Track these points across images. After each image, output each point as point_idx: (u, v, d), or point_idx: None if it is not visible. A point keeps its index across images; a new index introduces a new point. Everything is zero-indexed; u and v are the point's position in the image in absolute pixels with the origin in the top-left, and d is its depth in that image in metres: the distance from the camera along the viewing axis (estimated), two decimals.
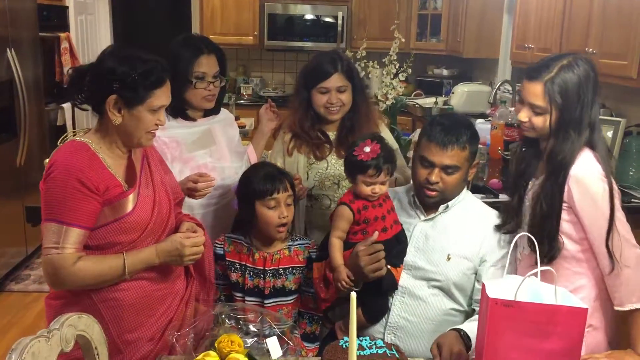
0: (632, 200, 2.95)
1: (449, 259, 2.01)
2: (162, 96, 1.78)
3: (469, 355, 1.79)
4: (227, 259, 2.18)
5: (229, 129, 2.53)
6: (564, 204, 1.85)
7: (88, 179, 1.69)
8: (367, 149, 1.97)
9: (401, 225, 2.06)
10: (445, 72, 5.92)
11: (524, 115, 1.90)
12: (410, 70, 3.24)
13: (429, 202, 2.06)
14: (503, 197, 2.93)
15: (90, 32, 5.82)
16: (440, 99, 5.21)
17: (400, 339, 2.01)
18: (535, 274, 1.53)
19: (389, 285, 2.01)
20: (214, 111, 2.44)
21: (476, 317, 1.98)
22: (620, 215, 1.80)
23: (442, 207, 2.07)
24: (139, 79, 1.72)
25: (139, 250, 1.78)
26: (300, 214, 2.44)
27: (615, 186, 1.83)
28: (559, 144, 1.84)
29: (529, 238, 1.81)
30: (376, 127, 2.49)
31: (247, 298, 2.16)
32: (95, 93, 1.77)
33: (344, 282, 1.94)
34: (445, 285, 2.00)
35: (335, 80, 2.34)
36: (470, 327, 1.86)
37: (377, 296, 2.02)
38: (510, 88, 4.85)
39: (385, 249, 1.94)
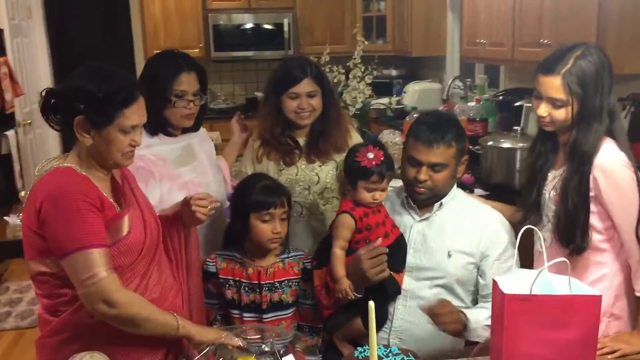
0: None
1: (449, 256, 2.02)
2: (132, 116, 1.68)
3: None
4: (220, 276, 2.12)
5: (205, 144, 2.47)
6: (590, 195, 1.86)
7: (91, 199, 1.61)
8: (371, 155, 1.96)
9: (399, 228, 2.05)
10: (394, 73, 5.97)
11: (543, 110, 1.89)
12: (375, 73, 3.25)
13: (419, 199, 2.06)
14: (478, 192, 2.97)
15: (27, 55, 5.59)
16: (394, 99, 5.24)
17: (405, 342, 2.00)
18: (551, 266, 1.54)
19: (393, 290, 2.00)
20: (193, 128, 2.38)
21: (478, 306, 2.01)
22: None
23: (436, 206, 2.07)
24: (105, 98, 1.63)
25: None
26: None
27: (639, 173, 1.84)
28: (582, 135, 1.84)
29: (556, 230, 1.83)
30: (347, 131, 2.49)
31: (244, 314, 2.11)
32: (63, 114, 1.68)
33: (345, 293, 1.92)
34: (448, 282, 2.02)
35: (305, 86, 2.33)
36: (471, 311, 1.95)
37: (379, 303, 2.00)
38: (461, 84, 4.94)
39: (388, 254, 1.92)
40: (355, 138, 2.53)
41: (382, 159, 1.97)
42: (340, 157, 2.41)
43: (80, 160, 1.70)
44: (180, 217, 2.00)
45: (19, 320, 4.06)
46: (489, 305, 1.98)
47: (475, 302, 2.07)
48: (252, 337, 1.72)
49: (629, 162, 1.83)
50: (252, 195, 2.08)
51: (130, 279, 1.72)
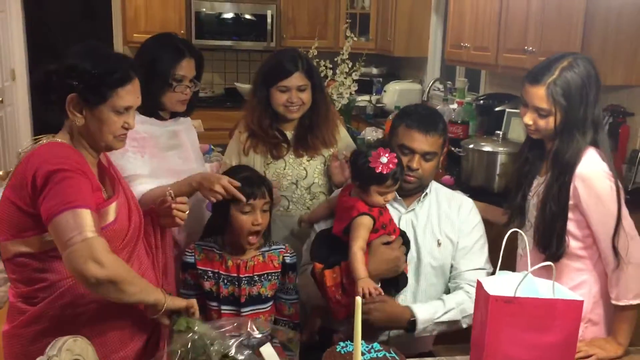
0: None
1: (439, 244, 2.08)
2: (126, 96, 1.65)
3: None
4: (198, 267, 2.09)
5: (190, 132, 2.46)
6: (569, 203, 1.89)
7: (86, 169, 1.58)
8: (384, 160, 1.93)
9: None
10: (374, 71, 5.98)
11: (528, 119, 1.92)
12: (362, 69, 3.25)
13: (407, 188, 2.08)
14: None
15: (1, 31, 5.46)
16: (374, 98, 5.26)
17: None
18: (535, 270, 1.55)
19: (404, 282, 2.06)
20: (184, 114, 2.35)
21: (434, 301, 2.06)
22: (624, 212, 1.86)
23: (421, 197, 2.12)
24: (100, 76, 1.60)
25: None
26: None
27: (619, 184, 1.87)
28: (564, 145, 1.87)
29: (535, 235, 1.86)
30: (335, 126, 2.49)
31: (222, 307, 2.08)
32: (58, 94, 1.63)
33: (373, 290, 1.87)
34: (440, 269, 2.09)
35: (296, 79, 2.31)
36: (422, 307, 2.01)
37: (392, 296, 2.05)
38: (441, 86, 4.98)
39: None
40: (343, 133, 2.53)
41: (395, 161, 1.94)
42: (328, 152, 2.41)
43: (71, 140, 1.67)
44: (156, 215, 1.95)
45: None
46: (450, 297, 2.05)
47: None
48: (229, 329, 1.68)
49: (609, 172, 1.86)
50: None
51: None
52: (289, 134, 2.42)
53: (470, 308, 1.95)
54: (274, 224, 2.38)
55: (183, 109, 2.30)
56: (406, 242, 2.06)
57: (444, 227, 2.10)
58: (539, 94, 1.86)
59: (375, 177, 1.94)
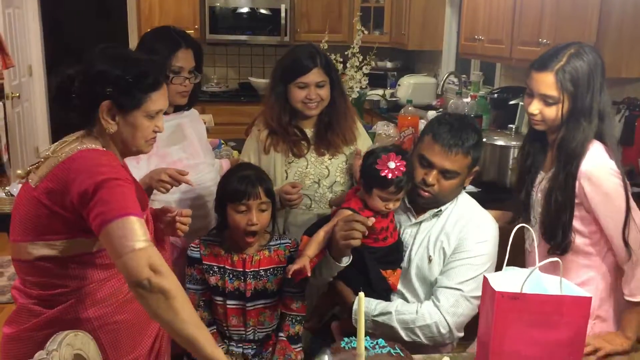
0: None
1: (430, 260, 1.99)
2: (159, 100, 1.64)
3: None
4: (204, 262, 2.09)
5: (196, 124, 2.44)
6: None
7: (128, 175, 1.58)
8: (392, 165, 1.86)
9: (397, 232, 2.03)
10: (389, 65, 5.94)
11: (534, 108, 1.88)
12: (373, 63, 3.22)
13: (420, 202, 2.01)
14: (470, 188, 2.94)
15: (18, 27, 5.50)
16: (387, 92, 5.22)
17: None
18: (542, 266, 1.53)
19: (380, 286, 1.98)
20: (185, 107, 2.34)
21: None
22: (633, 205, 1.82)
23: (432, 212, 2.01)
24: (134, 81, 1.59)
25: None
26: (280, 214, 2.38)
27: (625, 180, 1.83)
28: (570, 133, 1.83)
29: (541, 228, 1.82)
30: (353, 122, 2.45)
31: (228, 302, 2.08)
32: (85, 99, 1.59)
33: (300, 268, 1.85)
34: (426, 283, 2.00)
35: (315, 76, 2.27)
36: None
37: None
38: (456, 80, 4.93)
39: (383, 255, 1.92)
40: (361, 129, 2.50)
41: (403, 170, 1.86)
42: (349, 150, 2.38)
43: (102, 145, 1.63)
44: (156, 219, 1.90)
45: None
46: (409, 305, 1.96)
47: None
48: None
49: (616, 169, 1.83)
50: (229, 185, 2.05)
51: None
52: (309, 132, 2.39)
53: (417, 322, 1.89)
54: (296, 222, 2.37)
55: (184, 101, 2.28)
56: (400, 250, 2.01)
57: (441, 241, 1.98)
58: (547, 81, 1.83)
59: (378, 180, 1.87)
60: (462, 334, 1.96)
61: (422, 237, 2.02)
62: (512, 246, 1.59)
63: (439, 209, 2.01)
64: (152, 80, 1.62)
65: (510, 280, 1.54)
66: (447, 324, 1.90)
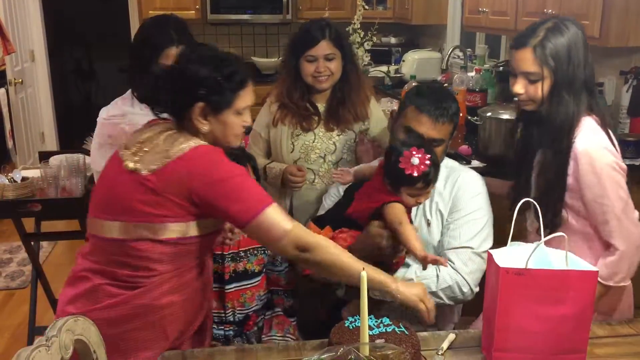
0: None
1: (428, 224, 2.00)
2: (246, 96, 1.68)
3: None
4: None
5: None
6: (568, 178, 1.83)
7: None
8: (416, 161, 1.79)
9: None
10: (393, 40, 5.87)
11: (519, 87, 1.86)
12: (374, 39, 3.17)
13: None
14: (475, 163, 2.92)
15: (19, 12, 5.47)
16: (392, 68, 5.16)
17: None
18: (544, 242, 1.50)
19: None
20: None
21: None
22: (623, 193, 1.80)
23: None
24: (225, 81, 1.62)
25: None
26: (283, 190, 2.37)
27: (620, 162, 1.81)
28: (554, 108, 1.81)
29: (534, 208, 1.80)
30: (367, 99, 2.43)
31: None
32: (178, 100, 1.64)
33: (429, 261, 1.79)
34: (430, 247, 2.01)
35: (323, 48, 2.27)
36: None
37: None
38: (461, 54, 4.86)
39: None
40: (374, 107, 2.48)
41: (429, 164, 1.80)
42: (359, 127, 2.36)
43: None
44: None
45: (9, 281, 4.05)
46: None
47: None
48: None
49: (610, 147, 1.80)
50: None
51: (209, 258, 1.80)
52: (321, 107, 2.39)
53: (440, 285, 1.92)
54: (299, 196, 2.37)
55: None
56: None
57: (436, 202, 2.01)
58: (526, 58, 1.81)
59: (405, 178, 1.81)
60: (478, 289, 1.97)
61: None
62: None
63: None
64: (240, 78, 1.65)
65: (514, 255, 1.52)
66: (467, 282, 1.94)
